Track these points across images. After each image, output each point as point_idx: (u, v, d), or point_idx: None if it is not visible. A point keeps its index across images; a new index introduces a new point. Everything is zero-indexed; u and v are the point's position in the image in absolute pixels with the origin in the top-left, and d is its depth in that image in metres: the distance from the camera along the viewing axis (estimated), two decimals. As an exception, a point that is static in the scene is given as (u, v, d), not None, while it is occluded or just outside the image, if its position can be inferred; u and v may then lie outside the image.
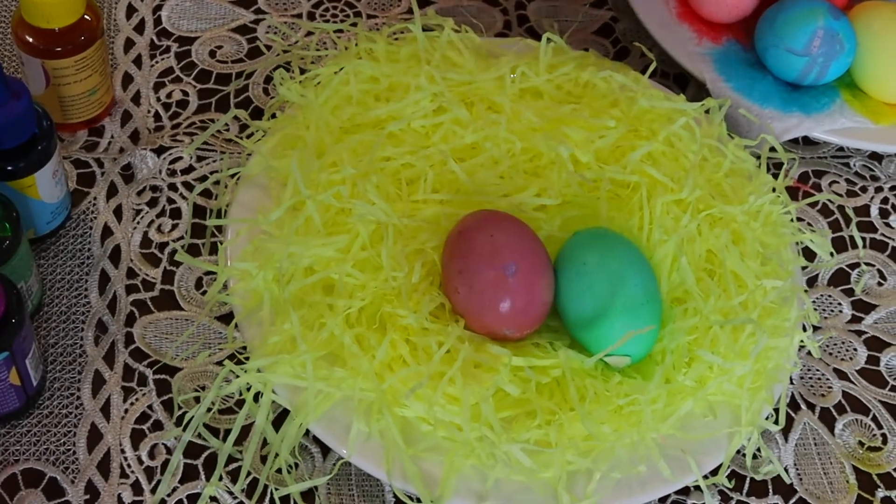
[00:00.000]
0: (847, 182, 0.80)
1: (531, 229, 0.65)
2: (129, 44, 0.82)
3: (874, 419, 0.69)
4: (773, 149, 0.77)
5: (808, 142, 0.81)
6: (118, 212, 0.73)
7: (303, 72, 0.77)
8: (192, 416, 0.62)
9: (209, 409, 0.64)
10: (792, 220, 0.72)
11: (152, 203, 0.73)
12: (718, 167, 0.72)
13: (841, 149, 0.82)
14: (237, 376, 0.62)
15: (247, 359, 0.63)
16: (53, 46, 0.71)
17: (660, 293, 0.65)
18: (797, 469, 0.66)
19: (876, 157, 0.82)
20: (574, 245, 0.66)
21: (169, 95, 0.79)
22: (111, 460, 0.63)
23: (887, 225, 0.78)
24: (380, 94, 0.75)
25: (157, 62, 0.81)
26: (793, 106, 0.79)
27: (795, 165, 0.78)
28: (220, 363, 0.67)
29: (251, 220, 0.68)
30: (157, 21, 0.84)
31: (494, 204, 0.69)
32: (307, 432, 0.64)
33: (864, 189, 0.80)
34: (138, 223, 0.72)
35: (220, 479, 0.62)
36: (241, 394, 0.64)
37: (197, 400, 0.65)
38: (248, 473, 0.63)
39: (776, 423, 0.65)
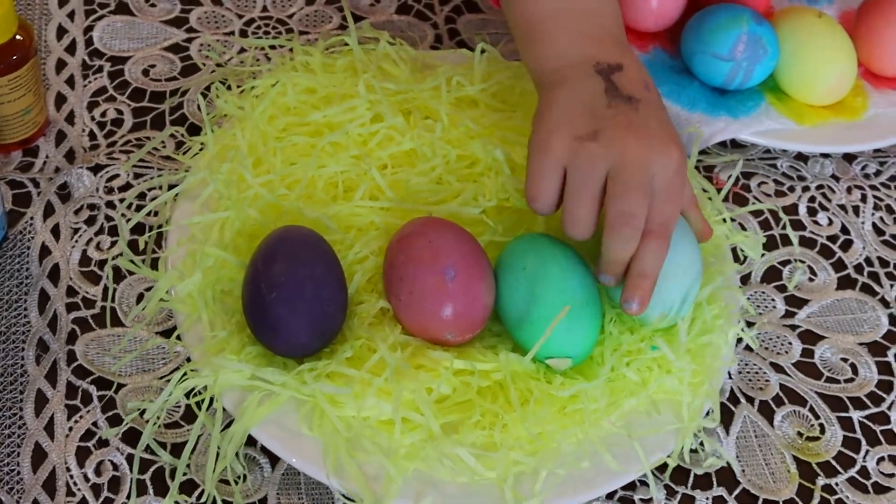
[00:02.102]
0: (775, 182, 0.82)
1: (470, 234, 0.66)
2: (60, 64, 0.82)
3: (811, 410, 0.70)
4: (702, 151, 0.79)
5: (735, 144, 0.83)
6: (56, 231, 0.72)
7: (239, 87, 0.77)
8: (148, 420, 0.62)
9: (156, 422, 0.64)
10: (724, 220, 0.74)
11: (90, 221, 0.73)
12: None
13: (768, 150, 0.84)
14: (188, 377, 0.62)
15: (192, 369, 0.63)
16: (-14, 66, 0.71)
17: (599, 295, 0.66)
18: (739, 461, 0.67)
19: (801, 157, 0.84)
20: (513, 250, 0.66)
21: (103, 114, 0.79)
22: (56, 479, 0.62)
23: (815, 223, 0.80)
24: (317, 104, 0.75)
25: (89, 82, 0.81)
26: (720, 110, 0.81)
27: (739, 166, 0.79)
28: (164, 378, 0.67)
29: (188, 222, 0.68)
30: (89, 42, 0.84)
31: (432, 212, 0.70)
32: (255, 443, 0.64)
33: (791, 189, 0.82)
34: (76, 241, 0.72)
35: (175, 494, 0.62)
36: (188, 400, 0.64)
37: (142, 415, 0.65)
38: (197, 485, 0.62)
39: (714, 419, 0.66)
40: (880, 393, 0.72)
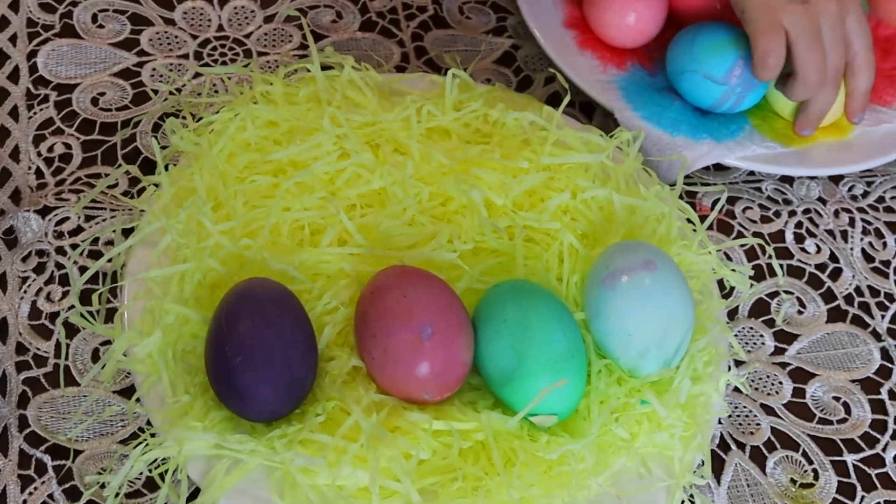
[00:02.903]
0: (760, 207, 0.79)
1: (446, 284, 0.62)
2: (2, 94, 0.77)
3: (804, 454, 0.67)
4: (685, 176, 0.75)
5: (719, 166, 0.80)
6: (2, 281, 0.68)
7: (195, 117, 0.73)
8: (108, 495, 0.58)
9: (116, 495, 0.60)
10: (711, 252, 0.70)
11: (39, 269, 0.68)
12: (637, 211, 0.70)
13: (752, 172, 0.80)
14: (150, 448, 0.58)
15: (152, 434, 0.59)
16: (-79, 107, 0.66)
17: (584, 346, 0.62)
18: (731, 514, 0.65)
19: (787, 179, 0.80)
20: (492, 299, 0.63)
21: (50, 149, 0.74)
22: (11, 559, 0.59)
23: (803, 250, 0.77)
24: (279, 139, 0.71)
25: (35, 113, 0.76)
26: (703, 133, 0.77)
27: (724, 198, 0.76)
28: (123, 441, 0.63)
29: (146, 276, 0.64)
30: (33, 68, 0.78)
31: (405, 257, 0.66)
32: (222, 513, 0.60)
33: (777, 214, 0.78)
34: (25, 292, 0.68)
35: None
36: (150, 471, 0.60)
37: (102, 486, 0.61)
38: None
39: (705, 474, 0.63)
40: (874, 434, 0.69)
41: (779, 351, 0.72)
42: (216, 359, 0.59)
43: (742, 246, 0.76)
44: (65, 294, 0.68)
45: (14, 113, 0.76)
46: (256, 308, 0.59)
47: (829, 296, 0.75)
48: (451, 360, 0.60)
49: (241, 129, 0.70)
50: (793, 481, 0.66)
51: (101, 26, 0.82)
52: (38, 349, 0.66)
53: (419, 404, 0.61)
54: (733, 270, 0.71)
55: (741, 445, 0.67)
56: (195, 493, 0.59)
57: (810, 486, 0.66)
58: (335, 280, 0.65)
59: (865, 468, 0.67)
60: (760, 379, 0.70)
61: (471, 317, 0.63)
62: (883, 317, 0.74)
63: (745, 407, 0.69)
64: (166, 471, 0.58)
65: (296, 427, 0.59)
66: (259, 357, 0.58)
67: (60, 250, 0.69)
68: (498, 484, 0.59)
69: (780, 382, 0.70)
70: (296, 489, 0.58)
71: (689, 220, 0.71)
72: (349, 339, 0.63)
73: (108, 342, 0.66)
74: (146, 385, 0.61)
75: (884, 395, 0.71)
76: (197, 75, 0.79)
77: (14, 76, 0.78)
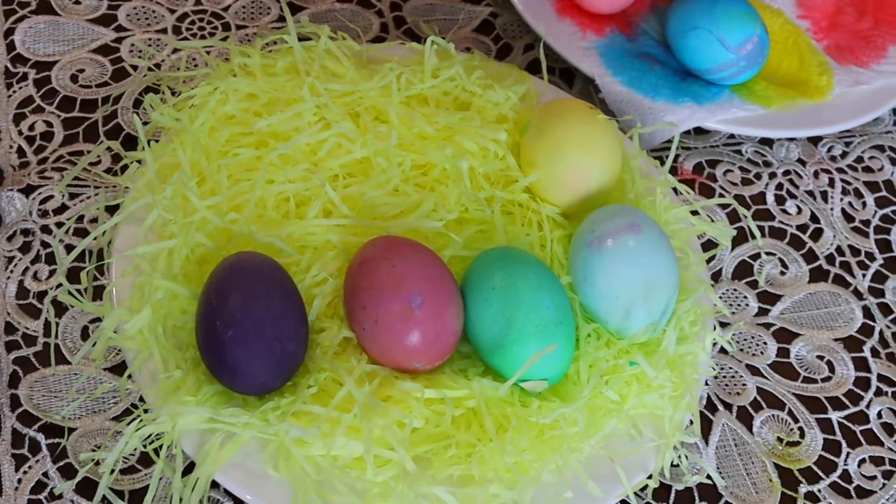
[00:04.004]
0: (741, 170, 0.79)
1: (435, 254, 0.63)
2: (-19, 73, 0.77)
3: (790, 413, 0.68)
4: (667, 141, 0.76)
5: (699, 131, 0.80)
6: (-12, 261, 0.68)
7: (174, 93, 0.73)
8: (104, 471, 0.58)
9: (111, 472, 0.60)
10: (693, 210, 0.71)
11: (25, 248, 0.68)
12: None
13: (732, 135, 0.81)
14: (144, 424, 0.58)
15: (146, 410, 0.60)
16: None
17: (573, 311, 0.63)
18: (720, 472, 0.65)
19: (766, 141, 0.81)
20: (480, 267, 0.63)
21: (31, 127, 0.74)
22: (8, 537, 0.59)
23: (784, 211, 0.78)
24: (259, 111, 0.71)
25: (14, 92, 0.76)
26: (684, 96, 0.77)
27: (688, 157, 0.76)
28: (116, 418, 0.63)
29: (133, 252, 0.64)
30: (11, 46, 0.78)
31: (391, 227, 0.66)
32: (218, 486, 0.61)
33: (758, 176, 0.79)
34: (12, 272, 0.67)
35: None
36: (144, 447, 0.60)
37: (97, 463, 0.61)
38: (160, 538, 0.59)
39: (695, 432, 0.64)
40: (858, 391, 0.70)
41: (762, 312, 0.72)
42: (207, 334, 0.59)
43: (724, 208, 0.76)
44: (52, 273, 0.68)
45: (-7, 92, 0.76)
46: (246, 282, 0.60)
47: (810, 256, 0.75)
48: (441, 329, 0.60)
49: (221, 102, 0.70)
50: (779, 440, 0.67)
51: (77, 2, 0.81)
52: (27, 328, 0.65)
53: (411, 373, 0.61)
54: (711, 220, 0.71)
55: (728, 406, 0.68)
56: (190, 467, 0.59)
57: (797, 444, 0.67)
58: (323, 252, 0.66)
59: (850, 425, 0.68)
60: (745, 340, 0.71)
61: (459, 285, 0.63)
62: (864, 276, 0.75)
63: (730, 368, 0.70)
64: (161, 446, 0.59)
65: (288, 399, 0.60)
66: (250, 331, 0.58)
67: (46, 229, 0.69)
68: (491, 450, 0.59)
69: (765, 343, 0.71)
70: (290, 461, 0.59)
71: (674, 189, 0.71)
72: (339, 311, 0.64)
73: (97, 320, 0.66)
74: (137, 361, 0.61)
75: (866, 353, 0.72)
76: (176, 50, 0.79)
77: (-9, 55, 0.78)
